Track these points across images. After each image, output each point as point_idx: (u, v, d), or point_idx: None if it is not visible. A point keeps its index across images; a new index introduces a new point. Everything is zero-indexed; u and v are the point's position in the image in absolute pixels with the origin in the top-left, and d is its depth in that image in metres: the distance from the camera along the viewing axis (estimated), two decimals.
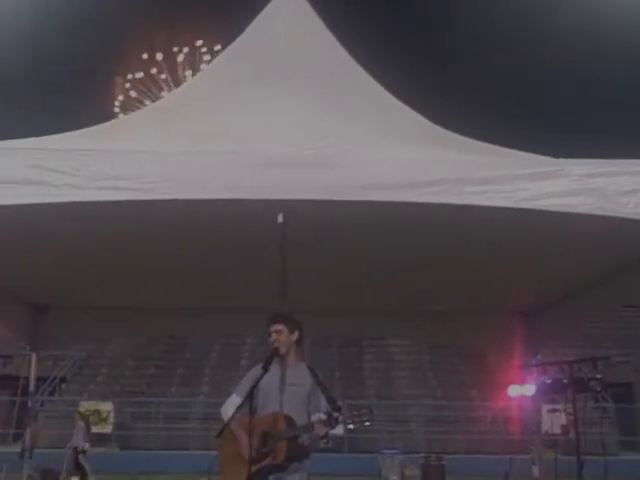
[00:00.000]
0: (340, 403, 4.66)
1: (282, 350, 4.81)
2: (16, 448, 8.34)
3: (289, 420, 4.61)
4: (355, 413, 4.63)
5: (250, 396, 4.38)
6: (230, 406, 4.75)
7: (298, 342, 4.93)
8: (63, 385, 24.24)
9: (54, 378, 23.31)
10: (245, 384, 4.84)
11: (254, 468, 4.39)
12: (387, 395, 22.70)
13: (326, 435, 4.56)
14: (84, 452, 13.13)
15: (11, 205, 3.46)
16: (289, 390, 4.78)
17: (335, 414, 4.54)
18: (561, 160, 3.84)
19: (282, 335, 4.85)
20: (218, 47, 41.44)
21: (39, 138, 4.58)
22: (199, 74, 7.26)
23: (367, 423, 4.58)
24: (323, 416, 4.69)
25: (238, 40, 6.51)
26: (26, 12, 40.07)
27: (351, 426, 4.59)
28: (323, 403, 4.81)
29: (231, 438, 4.57)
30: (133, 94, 45.39)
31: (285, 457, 4.53)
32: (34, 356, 8.11)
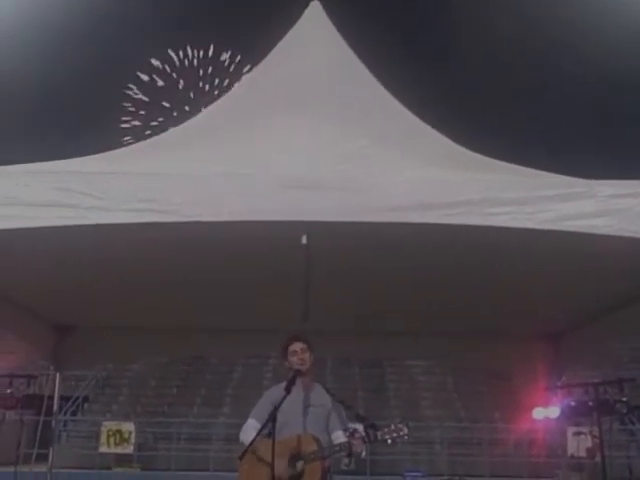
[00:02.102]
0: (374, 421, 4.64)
1: (304, 369, 4.80)
2: (41, 468, 8.32)
3: (317, 440, 4.58)
4: (393, 427, 4.58)
5: (273, 418, 4.34)
6: (250, 431, 4.70)
7: (312, 364, 4.94)
8: (86, 405, 24.33)
9: (77, 398, 23.39)
10: (262, 407, 4.80)
11: None
12: (410, 416, 22.48)
13: (360, 452, 4.54)
14: None
15: (40, 227, 3.50)
16: (311, 411, 4.76)
17: (370, 430, 4.51)
18: (587, 181, 3.82)
19: (306, 354, 4.86)
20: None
21: (66, 161, 4.64)
22: (223, 97, 7.32)
23: (406, 437, 4.54)
24: (342, 436, 4.66)
25: (263, 63, 6.58)
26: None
27: (389, 441, 4.55)
28: (342, 421, 4.79)
29: (254, 460, 4.52)
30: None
31: (320, 478, 4.50)
32: (58, 376, 8.15)
